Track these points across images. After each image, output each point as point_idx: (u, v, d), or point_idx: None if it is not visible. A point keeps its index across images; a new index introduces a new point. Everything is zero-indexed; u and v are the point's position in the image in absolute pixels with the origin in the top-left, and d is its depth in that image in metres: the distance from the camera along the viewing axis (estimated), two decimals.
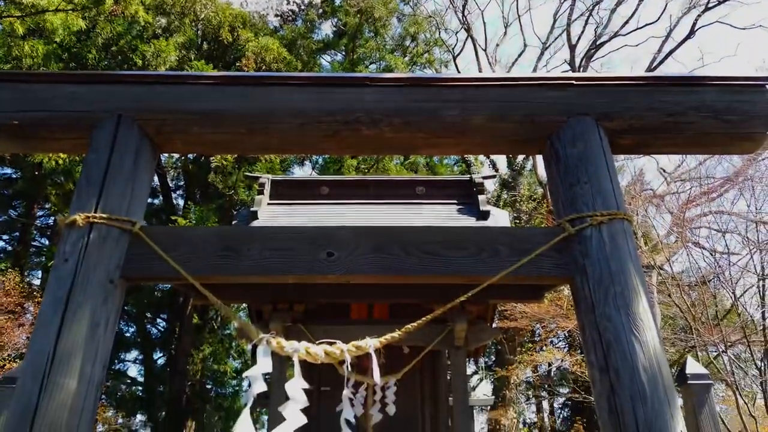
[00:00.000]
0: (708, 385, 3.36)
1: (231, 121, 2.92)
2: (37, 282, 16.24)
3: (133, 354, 18.82)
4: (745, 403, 9.80)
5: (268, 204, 7.37)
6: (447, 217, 7.20)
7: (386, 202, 7.47)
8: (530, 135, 2.95)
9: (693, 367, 3.37)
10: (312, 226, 2.88)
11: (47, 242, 17.71)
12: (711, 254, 11.77)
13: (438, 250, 2.76)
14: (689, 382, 3.30)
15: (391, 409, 6.47)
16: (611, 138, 2.89)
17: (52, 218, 17.92)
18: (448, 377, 8.70)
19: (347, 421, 2.71)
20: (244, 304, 7.48)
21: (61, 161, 12.24)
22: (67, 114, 2.87)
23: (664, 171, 13.97)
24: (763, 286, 10.54)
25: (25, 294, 10.30)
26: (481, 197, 7.33)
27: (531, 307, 12.74)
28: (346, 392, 2.58)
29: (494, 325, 7.58)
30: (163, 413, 16.57)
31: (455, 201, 7.59)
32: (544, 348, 15.98)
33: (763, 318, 10.36)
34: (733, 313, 12.31)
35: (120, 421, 16.95)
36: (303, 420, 2.45)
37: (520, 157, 21.33)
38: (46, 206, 17.31)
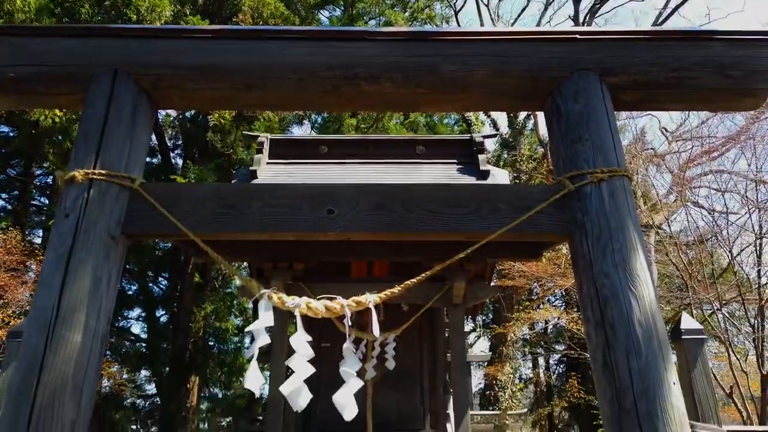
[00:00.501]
0: (702, 340, 3.43)
1: (228, 76, 2.88)
2: (38, 241, 16.32)
3: (136, 312, 19.10)
4: (737, 359, 10.01)
5: (267, 163, 7.34)
6: (447, 177, 7.19)
7: (386, 162, 7.43)
8: (532, 90, 2.92)
9: (687, 322, 3.43)
10: (312, 183, 2.87)
11: (47, 201, 17.72)
12: (710, 214, 11.80)
13: (438, 207, 2.76)
14: (683, 337, 3.36)
15: (391, 364, 6.61)
16: (614, 94, 2.86)
17: (51, 177, 17.87)
18: (447, 334, 8.86)
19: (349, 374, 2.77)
20: (244, 263, 7.54)
21: (57, 120, 12.12)
22: (63, 68, 2.83)
23: (665, 130, 13.87)
24: (760, 244, 10.62)
25: (26, 252, 10.37)
26: (481, 157, 7.30)
27: (529, 266, 12.86)
28: (347, 345, 2.62)
29: (492, 284, 7.66)
30: (167, 369, 16.91)
31: (455, 161, 7.56)
32: (541, 306, 16.21)
33: (759, 276, 10.48)
34: (729, 271, 12.43)
35: (125, 376, 17.33)
36: (311, 370, 2.50)
37: (521, 117, 21.13)
38: (45, 165, 17.24)
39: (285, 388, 2.40)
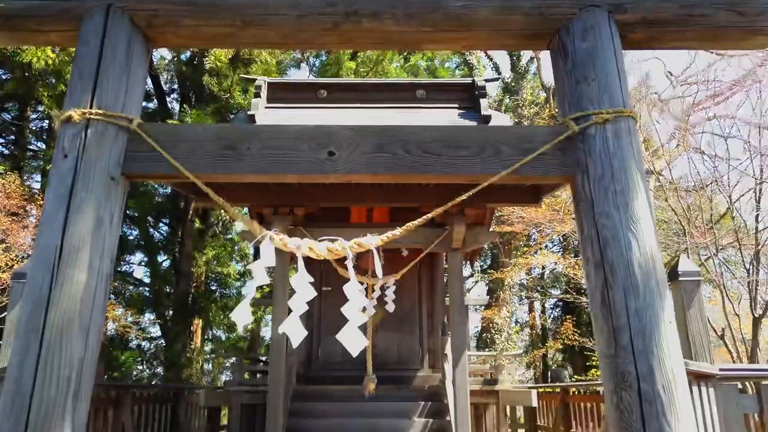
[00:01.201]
0: (698, 281, 3.48)
1: (225, 13, 2.79)
2: (36, 186, 16.29)
3: (138, 257, 19.27)
4: (730, 302, 10.21)
5: (266, 108, 7.23)
6: (448, 122, 7.09)
7: (386, 106, 7.32)
8: (538, 28, 2.83)
9: (685, 264, 3.48)
10: (312, 125, 2.83)
11: (44, 146, 17.57)
12: (711, 159, 11.74)
13: (439, 149, 2.74)
14: (680, 278, 3.41)
15: (391, 307, 6.73)
16: (622, 32, 2.78)
17: (46, 121, 17.66)
18: (445, 278, 8.99)
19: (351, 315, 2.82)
20: (245, 209, 7.55)
21: (50, 62, 11.85)
22: (55, 3, 2.74)
23: (671, 74, 13.60)
24: (760, 190, 10.62)
25: (26, 197, 10.37)
26: (483, 101, 7.18)
27: (528, 212, 12.91)
28: (350, 285, 2.65)
29: (491, 229, 7.70)
30: (171, 312, 17.23)
31: (456, 105, 7.44)
32: (539, 251, 16.39)
33: (756, 221, 10.54)
34: (727, 217, 12.49)
35: (130, 319, 17.70)
36: (305, 307, 2.54)
37: (524, 60, 20.69)
38: (39, 109, 17.00)
39: (283, 327, 2.45)
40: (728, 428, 3.14)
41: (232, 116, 15.69)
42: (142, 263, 19.67)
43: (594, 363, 15.42)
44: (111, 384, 7.33)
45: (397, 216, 7.43)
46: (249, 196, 6.51)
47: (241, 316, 2.53)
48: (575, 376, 15.70)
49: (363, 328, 6.80)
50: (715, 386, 3.16)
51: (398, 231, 2.68)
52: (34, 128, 18.17)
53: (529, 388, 8.92)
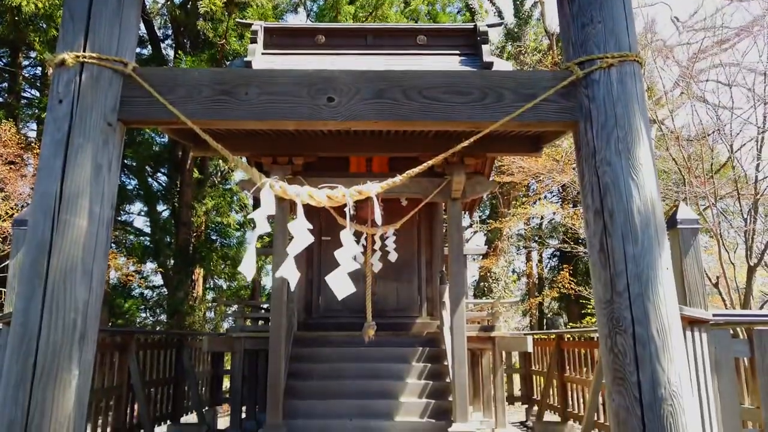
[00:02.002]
0: (696, 229, 3.50)
1: None
2: (32, 134, 16.12)
3: (137, 207, 19.31)
4: (726, 251, 10.31)
5: (263, 54, 7.07)
6: (449, 68, 6.96)
7: (385, 53, 7.17)
8: None
9: (684, 212, 3.48)
10: (312, 70, 2.77)
11: (38, 94, 17.29)
12: (714, 108, 11.60)
13: (440, 95, 2.69)
14: (679, 226, 3.43)
15: (393, 257, 6.80)
16: None
17: (39, 68, 17.31)
18: (444, 229, 9.04)
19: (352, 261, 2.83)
20: (243, 158, 7.50)
21: (41, 4, 11.50)
22: None
23: (677, 20, 13.24)
24: (762, 138, 10.54)
25: (22, 145, 10.28)
26: (485, 47, 7.03)
27: (528, 161, 12.85)
28: (346, 232, 2.66)
29: (491, 179, 7.68)
30: (172, 262, 17.40)
31: (458, 52, 7.29)
32: (538, 202, 16.41)
33: (757, 170, 10.51)
34: (727, 167, 12.45)
35: (131, 267, 17.90)
36: (300, 248, 2.55)
37: (528, 5, 20.12)
38: (32, 55, 16.62)
39: (280, 272, 2.48)
40: (719, 371, 3.22)
41: (228, 63, 15.37)
42: (142, 213, 19.72)
43: (589, 311, 15.72)
44: (115, 330, 7.47)
45: (397, 166, 7.36)
46: (247, 145, 6.45)
47: (248, 267, 2.55)
48: (570, 324, 16.03)
49: (362, 280, 6.89)
50: (708, 331, 3.23)
51: (398, 178, 2.67)
52: (27, 75, 17.82)
53: (525, 334, 9.12)
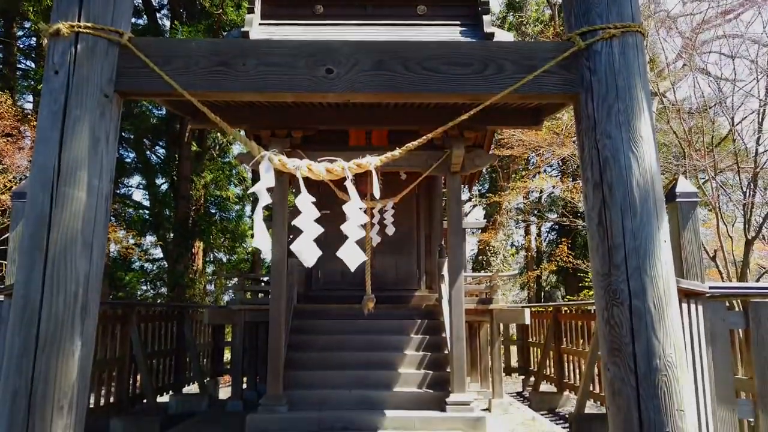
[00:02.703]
0: (695, 202, 3.51)
1: None
2: (29, 106, 15.98)
3: (136, 180, 19.27)
4: (725, 225, 10.36)
5: (260, 24, 6.97)
6: (449, 39, 6.87)
7: (385, 23, 7.06)
8: None
9: (683, 185, 3.49)
10: (310, 41, 2.74)
11: (33, 65, 17.07)
12: (716, 81, 11.50)
13: (440, 66, 2.66)
14: (678, 199, 3.43)
15: (390, 230, 6.82)
16: None
17: (34, 38, 17.07)
18: (443, 203, 9.05)
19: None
20: (242, 132, 7.45)
21: None
22: None
23: None
24: (763, 111, 10.48)
25: (19, 117, 10.20)
26: (485, 18, 6.92)
27: (528, 135, 12.79)
28: (350, 205, 2.65)
29: (490, 152, 7.65)
30: (171, 235, 17.43)
31: (458, 23, 7.18)
32: (538, 175, 16.39)
33: (757, 143, 10.48)
34: (727, 140, 12.41)
35: (131, 241, 17.95)
36: (319, 229, 2.56)
37: None
38: (26, 26, 16.38)
39: (295, 245, 2.48)
40: (714, 343, 3.27)
41: (225, 34, 15.16)
42: (141, 186, 19.68)
43: (586, 284, 15.83)
44: (117, 302, 7.54)
45: (396, 139, 7.36)
46: (246, 118, 6.40)
47: (261, 240, 2.56)
48: (568, 297, 16.16)
49: (362, 247, 6.90)
50: (704, 303, 3.26)
51: (397, 152, 2.66)
52: (21, 46, 17.58)
53: (523, 307, 9.20)
